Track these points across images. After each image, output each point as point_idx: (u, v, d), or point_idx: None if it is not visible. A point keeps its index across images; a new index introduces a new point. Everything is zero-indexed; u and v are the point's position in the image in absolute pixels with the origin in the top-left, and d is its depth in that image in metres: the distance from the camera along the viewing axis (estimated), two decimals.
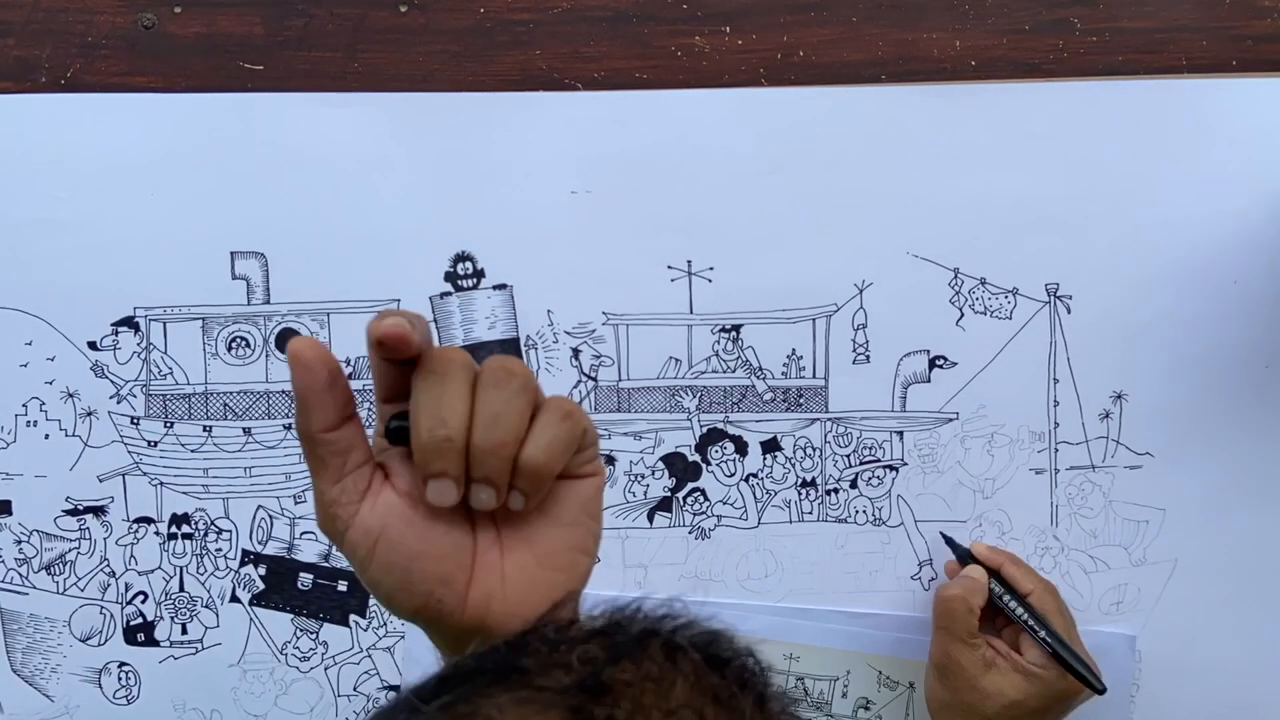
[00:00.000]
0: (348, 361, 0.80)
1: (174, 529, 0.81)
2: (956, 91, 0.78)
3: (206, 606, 0.81)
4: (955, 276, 0.80)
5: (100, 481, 0.81)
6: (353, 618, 0.82)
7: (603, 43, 0.79)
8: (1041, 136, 0.78)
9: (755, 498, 0.81)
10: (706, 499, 0.81)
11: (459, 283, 0.80)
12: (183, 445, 0.80)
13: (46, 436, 0.80)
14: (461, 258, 0.80)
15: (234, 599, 0.82)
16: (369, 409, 0.78)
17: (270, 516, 0.81)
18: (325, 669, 0.82)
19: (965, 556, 0.79)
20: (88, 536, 0.81)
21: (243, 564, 0.81)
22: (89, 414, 0.80)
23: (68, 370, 0.80)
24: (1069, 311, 0.80)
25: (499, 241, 0.79)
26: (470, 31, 0.79)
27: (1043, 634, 0.74)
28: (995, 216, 0.79)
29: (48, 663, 0.82)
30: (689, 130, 0.78)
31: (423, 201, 0.79)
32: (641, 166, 0.79)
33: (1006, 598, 0.76)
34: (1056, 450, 0.81)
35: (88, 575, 0.81)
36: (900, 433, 0.81)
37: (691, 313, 0.80)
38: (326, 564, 0.81)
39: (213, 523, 0.81)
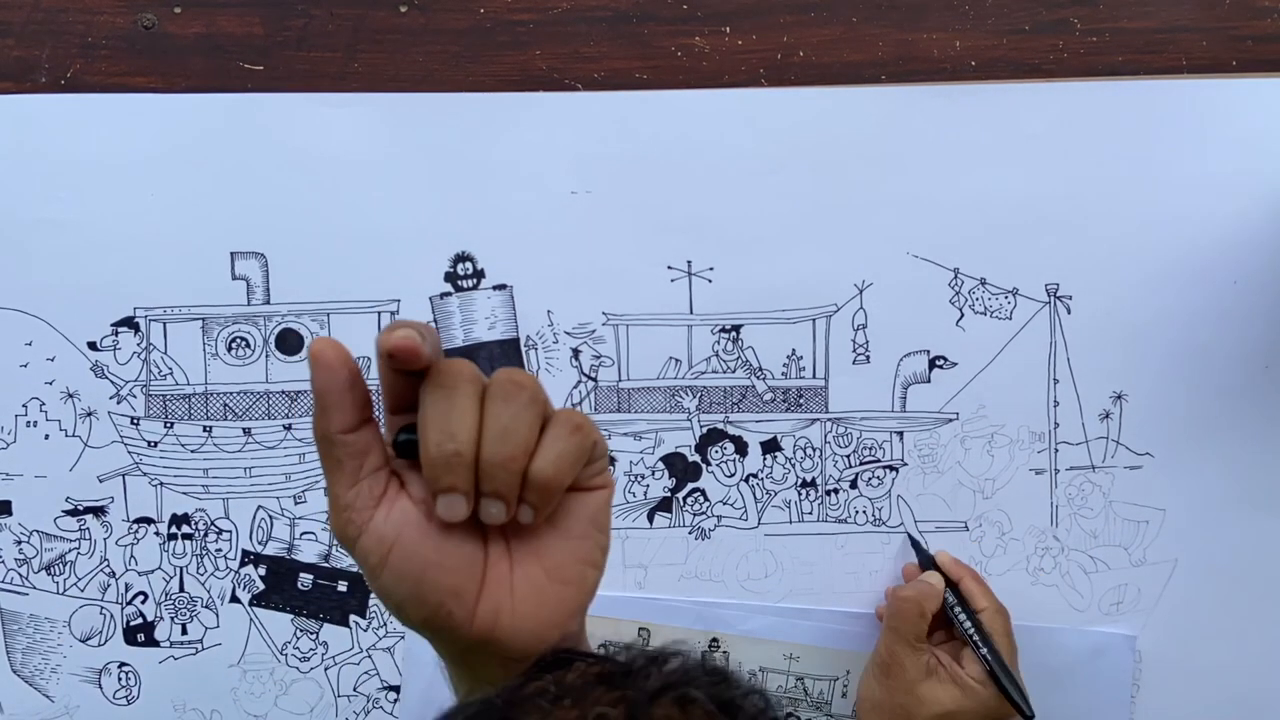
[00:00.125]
0: None
1: (174, 529, 0.81)
2: (956, 91, 0.78)
3: (206, 607, 0.81)
4: (955, 276, 0.80)
5: (100, 482, 0.80)
6: (353, 618, 0.82)
7: (603, 43, 0.78)
8: (1041, 136, 0.78)
9: (755, 498, 0.81)
10: (706, 499, 0.81)
11: (459, 283, 0.80)
12: (183, 445, 0.80)
13: (46, 437, 0.80)
14: (461, 258, 0.80)
15: (234, 599, 0.82)
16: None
17: (270, 517, 0.81)
18: (325, 669, 0.82)
19: (927, 562, 0.80)
20: (88, 537, 0.81)
21: (243, 564, 0.81)
22: (89, 414, 0.80)
23: (68, 370, 0.80)
24: (1069, 311, 0.80)
25: (499, 241, 0.79)
26: (470, 32, 0.79)
27: (984, 651, 0.75)
28: (995, 216, 0.79)
29: (48, 663, 0.82)
30: (689, 130, 0.78)
31: (423, 201, 0.79)
32: (641, 166, 0.79)
33: (958, 610, 0.77)
34: (1056, 450, 0.81)
35: (88, 575, 0.81)
36: (900, 433, 0.81)
37: (691, 313, 0.80)
38: (326, 564, 0.81)
39: (213, 523, 0.81)
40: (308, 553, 0.81)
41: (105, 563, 0.81)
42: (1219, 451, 0.81)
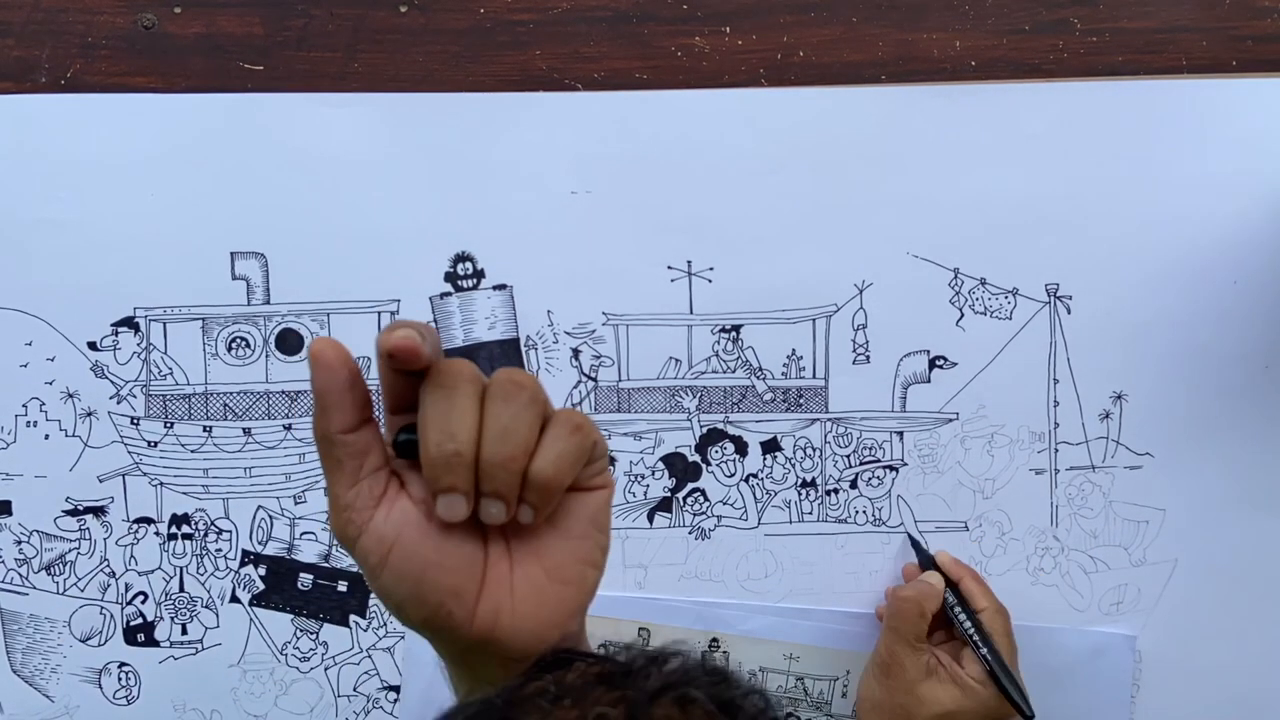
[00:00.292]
0: None
1: (174, 529, 0.81)
2: (956, 91, 0.78)
3: (206, 607, 0.81)
4: (955, 276, 0.80)
5: (100, 482, 0.80)
6: (353, 618, 0.82)
7: (603, 43, 0.78)
8: (1041, 136, 0.78)
9: (755, 498, 0.81)
10: (706, 499, 0.81)
11: (459, 283, 0.80)
12: (183, 445, 0.80)
13: (46, 437, 0.80)
14: (461, 258, 0.80)
15: (234, 599, 0.82)
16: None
17: (270, 517, 0.81)
18: (325, 669, 0.82)
19: (928, 562, 0.80)
20: (88, 537, 0.81)
21: (243, 564, 0.81)
22: (89, 414, 0.80)
23: (68, 370, 0.80)
24: (1069, 311, 0.80)
25: (499, 241, 0.79)
26: (470, 32, 0.79)
27: (984, 651, 0.75)
28: (995, 216, 0.79)
29: (48, 663, 0.82)
30: (689, 130, 0.78)
31: (423, 201, 0.79)
32: (641, 166, 0.79)
33: (958, 610, 0.77)
34: (1056, 450, 0.81)
35: (88, 575, 0.81)
36: (900, 433, 0.81)
37: (691, 313, 0.80)
38: (326, 564, 0.81)
39: (213, 523, 0.81)
40: (308, 553, 0.81)
41: (105, 563, 0.81)
42: (1219, 451, 0.81)
